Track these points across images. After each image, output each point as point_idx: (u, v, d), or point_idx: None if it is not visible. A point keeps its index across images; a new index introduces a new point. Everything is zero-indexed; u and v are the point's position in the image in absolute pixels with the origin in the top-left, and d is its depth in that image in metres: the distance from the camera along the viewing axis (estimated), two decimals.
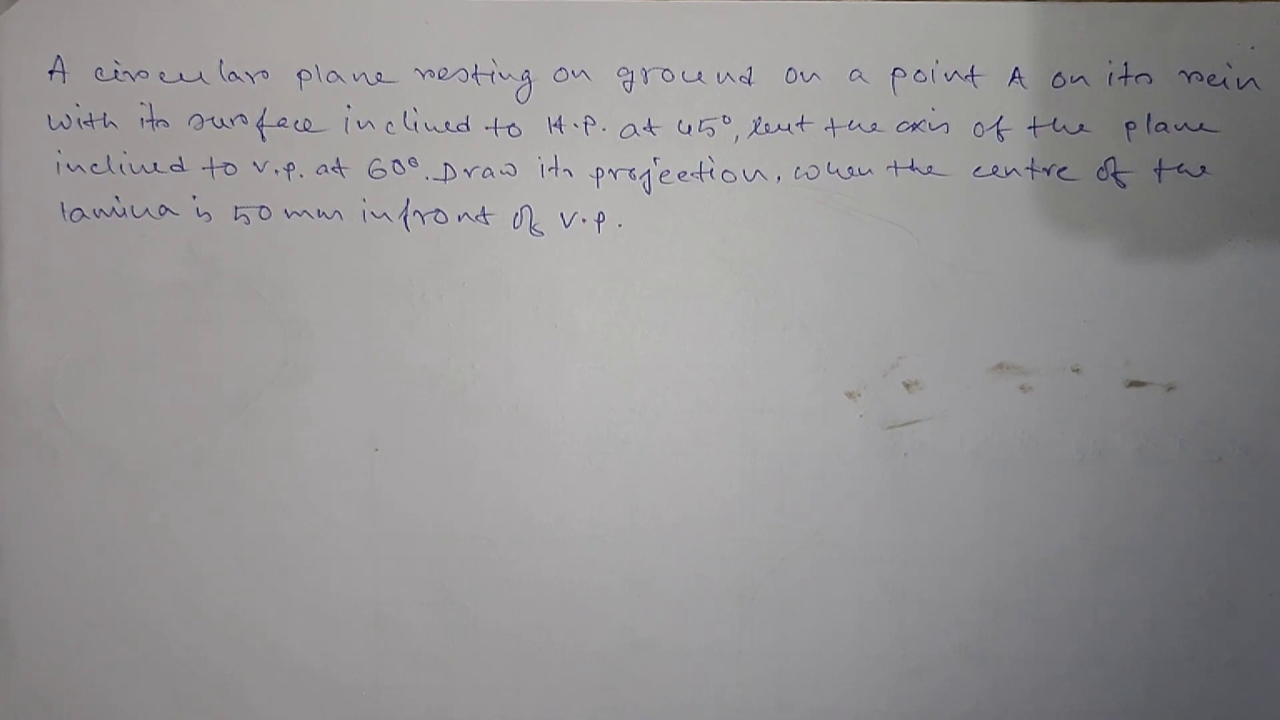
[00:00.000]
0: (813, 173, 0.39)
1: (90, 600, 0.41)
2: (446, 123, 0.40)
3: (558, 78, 0.39)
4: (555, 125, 0.40)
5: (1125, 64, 0.39)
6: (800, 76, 0.39)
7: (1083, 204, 0.39)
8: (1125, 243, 0.39)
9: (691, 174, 0.40)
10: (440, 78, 0.39)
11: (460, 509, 0.41)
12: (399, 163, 0.40)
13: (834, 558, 0.40)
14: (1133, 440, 0.40)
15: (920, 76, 0.39)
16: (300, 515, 0.41)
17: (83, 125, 0.40)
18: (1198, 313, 0.39)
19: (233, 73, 0.40)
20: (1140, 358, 0.39)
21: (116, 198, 0.40)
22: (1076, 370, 0.39)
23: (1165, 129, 0.39)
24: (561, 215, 0.40)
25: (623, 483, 0.40)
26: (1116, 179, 0.39)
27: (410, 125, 0.40)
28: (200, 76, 0.40)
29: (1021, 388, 0.40)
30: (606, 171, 0.40)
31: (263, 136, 0.40)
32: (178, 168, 0.40)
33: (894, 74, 0.39)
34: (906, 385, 0.40)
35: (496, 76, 0.39)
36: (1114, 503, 0.40)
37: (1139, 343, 0.39)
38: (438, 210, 0.40)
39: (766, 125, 0.39)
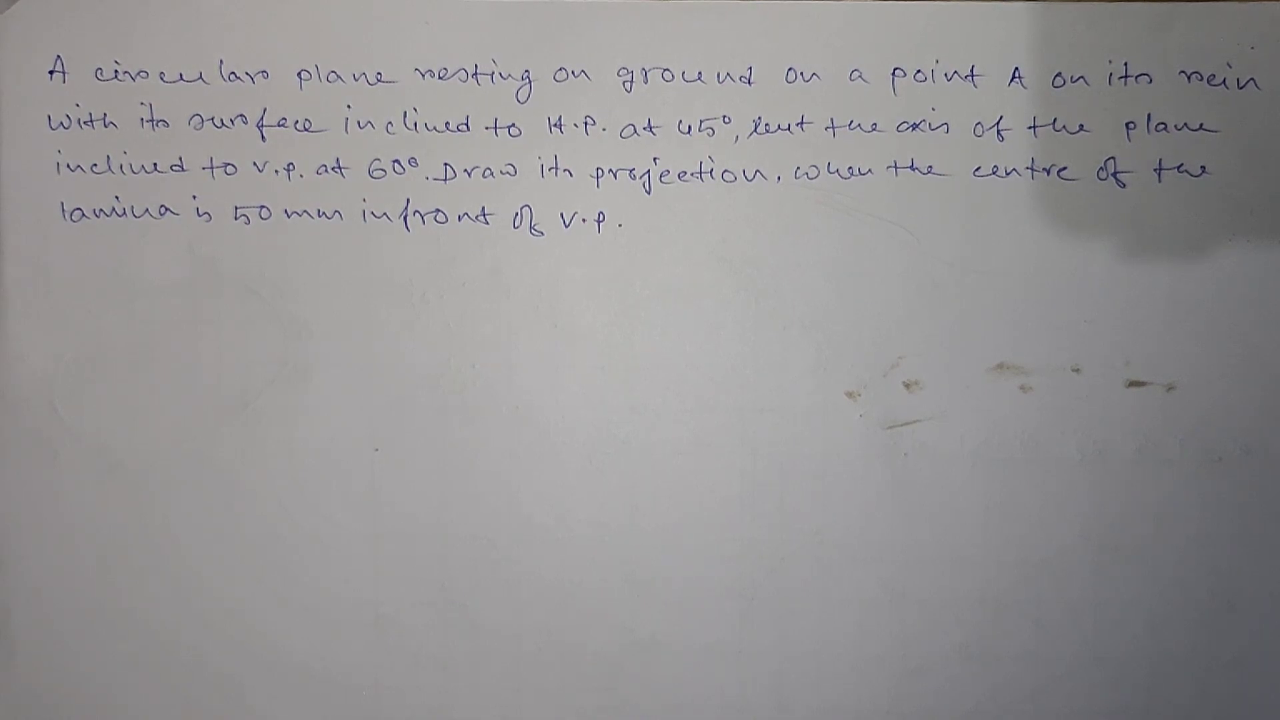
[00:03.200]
0: (813, 173, 0.39)
1: (90, 600, 0.41)
2: (446, 123, 0.40)
3: (558, 78, 0.39)
4: (555, 125, 0.40)
5: (1125, 64, 0.39)
6: (800, 76, 0.39)
7: (1083, 204, 0.39)
8: (1125, 243, 0.39)
9: (691, 174, 0.40)
10: (440, 78, 0.39)
11: (460, 509, 0.41)
12: (399, 163, 0.40)
13: (834, 558, 0.40)
14: (1133, 440, 0.40)
15: (920, 76, 0.39)
16: (300, 515, 0.41)
17: (83, 125, 0.40)
18: (1198, 313, 0.39)
19: (233, 73, 0.40)
20: (1140, 358, 0.39)
21: (116, 198, 0.40)
22: (1076, 370, 0.39)
23: (1165, 129, 0.39)
24: (561, 215, 0.40)
25: (623, 483, 0.40)
26: (1116, 179, 0.39)
27: (410, 125, 0.40)
28: (200, 76, 0.40)
29: (1021, 388, 0.40)
30: (606, 171, 0.40)
31: (263, 136, 0.40)
32: (178, 168, 0.40)
33: (894, 74, 0.39)
34: (906, 385, 0.40)
35: (496, 76, 0.39)
36: (1114, 503, 0.40)
37: (1139, 343, 0.39)
38: (438, 210, 0.40)
39: (766, 125, 0.39)
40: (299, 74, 0.40)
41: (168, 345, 0.40)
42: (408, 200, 0.40)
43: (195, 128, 0.40)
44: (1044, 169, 0.39)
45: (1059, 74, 0.39)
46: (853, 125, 0.39)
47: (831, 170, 0.39)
